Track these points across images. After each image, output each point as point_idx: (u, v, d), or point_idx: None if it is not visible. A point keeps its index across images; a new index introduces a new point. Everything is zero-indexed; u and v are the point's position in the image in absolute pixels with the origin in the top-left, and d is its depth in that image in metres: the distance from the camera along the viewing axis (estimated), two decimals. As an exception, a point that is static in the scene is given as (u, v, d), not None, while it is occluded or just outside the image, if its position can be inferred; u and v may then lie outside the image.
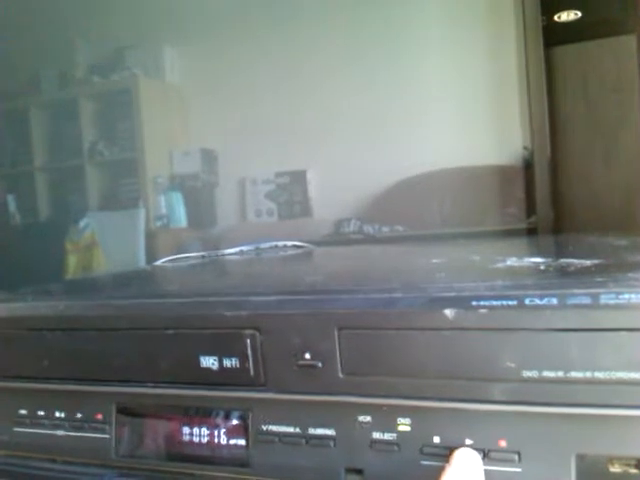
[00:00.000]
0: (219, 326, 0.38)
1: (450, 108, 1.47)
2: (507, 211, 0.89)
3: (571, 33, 0.78)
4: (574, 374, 0.31)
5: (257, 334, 0.36)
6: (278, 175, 2.13)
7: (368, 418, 0.36)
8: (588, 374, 0.31)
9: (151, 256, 2.04)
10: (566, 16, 0.78)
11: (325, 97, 1.87)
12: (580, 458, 0.32)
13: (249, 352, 0.37)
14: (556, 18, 0.78)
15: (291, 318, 0.36)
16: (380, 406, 0.35)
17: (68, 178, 2.24)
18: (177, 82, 2.14)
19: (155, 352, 0.40)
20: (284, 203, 2.15)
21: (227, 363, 0.37)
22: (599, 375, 0.30)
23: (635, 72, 0.77)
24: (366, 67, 1.74)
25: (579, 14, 0.78)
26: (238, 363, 0.37)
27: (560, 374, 0.31)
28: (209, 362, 0.38)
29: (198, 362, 0.38)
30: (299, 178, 2.09)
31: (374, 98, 1.75)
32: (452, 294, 0.34)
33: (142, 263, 1.95)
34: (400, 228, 1.63)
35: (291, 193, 2.12)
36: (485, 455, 0.33)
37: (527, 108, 0.90)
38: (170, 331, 0.39)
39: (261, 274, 0.55)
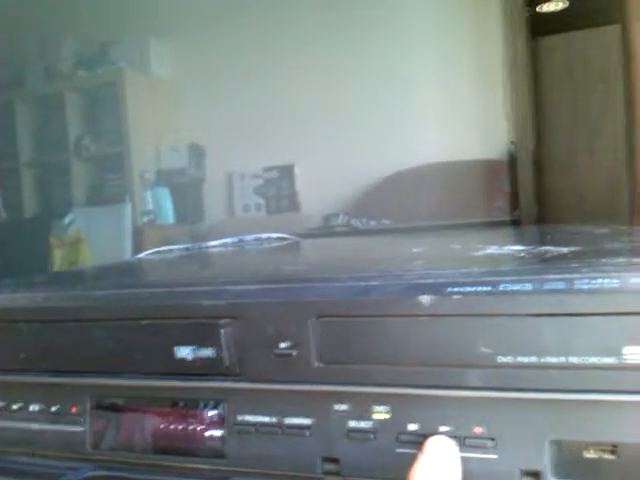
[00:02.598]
0: (194, 315, 0.37)
1: (436, 103, 1.48)
2: (492, 204, 0.90)
3: (556, 23, 0.78)
4: (548, 359, 0.31)
5: (233, 323, 0.36)
6: (266, 170, 2.13)
7: (344, 407, 0.35)
8: (562, 359, 0.30)
9: (138, 252, 2.03)
10: (552, 6, 0.78)
11: (313, 92, 1.87)
12: (555, 444, 0.32)
13: (224, 342, 0.36)
14: (541, 9, 0.78)
15: (267, 307, 0.36)
16: (356, 394, 0.35)
17: (54, 173, 2.22)
18: (164, 76, 2.13)
19: (130, 343, 0.39)
20: (272, 198, 2.14)
21: (202, 353, 0.37)
22: (573, 360, 0.30)
23: (620, 62, 0.78)
24: (353, 63, 1.74)
25: (564, 5, 0.77)
26: (213, 353, 0.37)
27: (534, 359, 0.31)
28: (184, 352, 0.37)
29: (173, 352, 0.38)
30: (287, 173, 2.09)
31: (361, 93, 1.75)
32: (428, 281, 0.34)
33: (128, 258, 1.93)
34: (387, 222, 1.63)
35: (279, 188, 2.11)
36: (461, 442, 0.33)
37: (513, 101, 0.90)
38: (145, 321, 0.38)
39: (241, 265, 0.54)
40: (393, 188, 1.56)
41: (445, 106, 1.44)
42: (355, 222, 1.74)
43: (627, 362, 0.29)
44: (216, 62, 2.00)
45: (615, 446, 0.31)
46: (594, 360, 0.30)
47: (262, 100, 1.92)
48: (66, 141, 2.14)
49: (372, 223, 1.66)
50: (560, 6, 0.71)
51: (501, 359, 0.31)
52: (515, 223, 0.85)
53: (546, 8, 0.72)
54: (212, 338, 0.37)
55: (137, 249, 2.03)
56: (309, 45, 1.83)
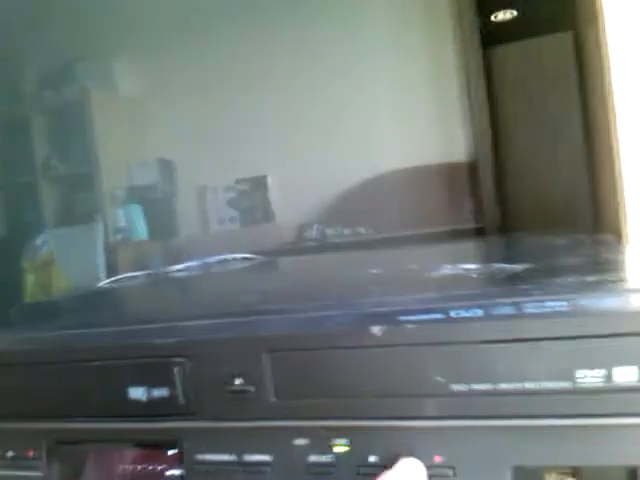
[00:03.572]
0: (146, 355, 0.36)
1: (395, 112, 1.50)
2: (457, 211, 0.90)
3: (508, 32, 0.79)
4: (503, 386, 0.30)
5: (186, 362, 0.35)
6: (239, 182, 2.12)
7: (304, 441, 0.35)
8: (517, 385, 0.30)
9: (112, 271, 2.00)
10: (503, 15, 0.78)
11: (281, 103, 1.87)
12: (516, 470, 0.31)
13: (178, 381, 0.35)
14: (493, 18, 0.79)
15: (220, 343, 0.35)
16: (315, 428, 0.34)
17: (22, 195, 2.18)
18: (130, 93, 2.11)
19: (83, 385, 0.38)
20: (246, 210, 2.13)
21: (157, 393, 0.36)
22: (528, 385, 0.30)
23: (573, 69, 0.78)
24: (318, 75, 1.75)
25: (515, 13, 0.78)
26: (168, 392, 0.36)
27: (489, 386, 0.31)
28: (138, 393, 0.36)
29: (127, 393, 0.37)
30: (260, 184, 2.08)
31: (327, 103, 1.76)
32: (381, 309, 0.33)
33: (102, 279, 1.91)
34: (362, 230, 1.63)
35: (252, 199, 2.10)
36: (423, 471, 0.33)
37: (469, 109, 0.90)
38: (97, 363, 0.37)
39: (198, 294, 0.53)
40: (363, 196, 1.56)
41: (404, 116, 1.47)
42: (329, 231, 1.74)
43: (581, 386, 0.29)
44: (183, 77, 1.98)
45: (576, 469, 0.31)
46: (548, 385, 0.30)
47: (231, 113, 1.91)
48: (34, 162, 2.10)
49: (346, 231, 1.65)
50: (510, 15, 0.71)
51: (455, 387, 0.31)
52: (479, 231, 0.85)
53: (498, 17, 0.72)
54: (165, 378, 0.36)
55: (111, 267, 2.00)
56: (277, 59, 1.82)
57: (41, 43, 2.09)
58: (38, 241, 2.03)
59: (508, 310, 0.30)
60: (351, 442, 0.34)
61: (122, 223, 2.10)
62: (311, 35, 1.74)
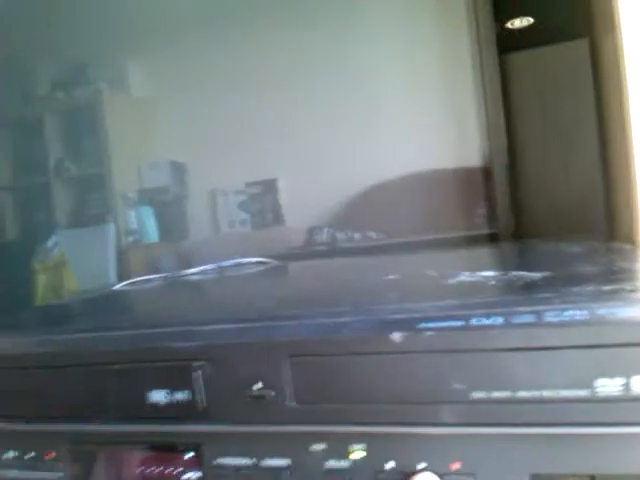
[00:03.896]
0: (167, 358, 0.37)
1: (412, 117, 1.50)
2: (470, 217, 0.90)
3: (524, 39, 0.79)
4: (522, 394, 0.31)
5: (206, 365, 0.36)
6: (249, 185, 2.12)
7: (322, 446, 0.35)
8: (536, 393, 0.30)
9: (123, 272, 2.02)
10: (519, 22, 0.78)
11: (292, 106, 1.87)
12: (534, 477, 0.32)
13: (199, 384, 0.36)
14: (509, 25, 0.79)
15: (239, 348, 0.35)
16: (333, 434, 0.34)
17: (35, 196, 2.20)
18: (143, 95, 2.12)
19: (103, 388, 0.38)
20: (257, 213, 2.14)
21: (177, 397, 0.36)
22: (546, 394, 0.30)
23: (589, 76, 0.78)
24: (331, 79, 1.75)
25: (531, 20, 0.78)
26: (188, 396, 0.36)
27: (508, 394, 0.31)
28: (158, 396, 0.37)
29: (147, 396, 0.37)
30: (270, 187, 2.09)
31: (339, 106, 1.76)
32: (399, 316, 0.33)
33: (113, 280, 1.92)
34: (373, 234, 1.63)
35: (263, 202, 2.11)
36: (440, 478, 0.33)
37: (484, 115, 0.90)
38: (116, 366, 0.38)
39: (215, 298, 0.54)
40: (374, 200, 1.56)
41: (419, 121, 1.46)
42: (340, 235, 1.74)
43: (599, 394, 0.29)
44: (195, 79, 1.99)
45: (593, 477, 0.31)
46: (567, 393, 0.30)
47: (242, 115, 1.92)
48: (46, 163, 2.12)
49: (356, 235, 1.65)
50: (526, 22, 0.72)
51: (475, 395, 0.31)
52: (492, 236, 0.85)
53: (513, 25, 0.72)
54: (185, 381, 0.36)
55: (122, 269, 2.01)
56: (289, 63, 1.83)
57: (53, 45, 2.11)
58: (50, 242, 2.05)
59: (528, 318, 0.30)
60: (368, 448, 0.34)
61: (133, 225, 2.12)
62: (324, 38, 1.74)
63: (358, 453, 0.34)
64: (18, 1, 2.03)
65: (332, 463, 0.34)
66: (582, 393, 0.30)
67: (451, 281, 0.40)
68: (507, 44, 0.81)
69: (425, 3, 1.17)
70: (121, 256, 2.05)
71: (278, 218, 2.06)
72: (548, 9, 0.77)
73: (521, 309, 0.31)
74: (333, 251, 1.55)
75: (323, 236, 1.80)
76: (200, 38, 1.91)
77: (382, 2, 1.61)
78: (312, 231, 1.86)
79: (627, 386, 0.29)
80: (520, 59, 0.81)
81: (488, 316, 0.31)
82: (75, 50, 2.09)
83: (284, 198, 2.03)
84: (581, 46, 0.76)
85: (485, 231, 0.85)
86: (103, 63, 2.10)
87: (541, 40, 0.78)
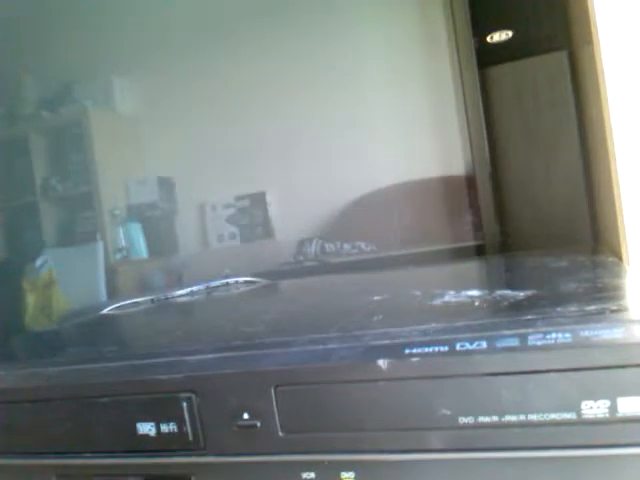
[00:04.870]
0: (154, 390, 0.36)
1: (396, 129, 1.51)
2: (456, 228, 0.91)
3: (504, 53, 0.80)
4: (508, 418, 0.31)
5: (193, 397, 0.35)
6: (238, 199, 2.13)
7: (312, 475, 0.35)
8: (522, 417, 0.30)
9: (113, 289, 2.01)
10: (498, 37, 0.79)
11: (279, 120, 1.88)
12: (524, 500, 0.32)
13: (186, 416, 0.36)
14: (488, 39, 0.80)
15: (226, 378, 0.35)
16: (322, 462, 0.34)
17: (22, 216, 2.19)
18: (129, 112, 2.12)
19: (91, 421, 0.38)
20: (246, 226, 2.14)
21: (165, 428, 0.36)
22: (533, 417, 0.30)
23: (569, 88, 0.79)
24: (317, 92, 1.76)
25: (510, 34, 0.79)
26: (176, 428, 0.36)
27: (495, 419, 0.31)
28: (146, 428, 0.37)
29: (135, 429, 0.37)
30: (259, 200, 2.09)
31: (326, 119, 1.77)
32: (385, 342, 0.33)
33: (103, 298, 1.91)
34: (362, 244, 1.63)
35: (252, 216, 2.11)
36: (430, 504, 0.33)
37: (466, 127, 0.91)
38: (105, 399, 0.37)
39: (202, 325, 0.54)
40: (362, 211, 1.57)
41: (403, 132, 1.48)
42: (329, 246, 1.75)
43: (585, 417, 0.29)
44: (180, 95, 2.00)
45: (582, 498, 0.31)
46: (553, 416, 0.30)
47: (229, 130, 1.92)
48: (33, 182, 2.11)
49: (346, 246, 1.66)
50: (505, 36, 0.72)
51: (462, 420, 0.31)
52: (479, 248, 0.86)
53: (492, 39, 0.73)
54: (174, 413, 0.36)
55: (112, 287, 2.00)
56: (275, 76, 1.84)
57: (39, 63, 2.11)
58: (38, 262, 2.04)
59: (512, 342, 0.30)
60: (358, 476, 0.34)
61: (122, 242, 2.11)
62: (308, 52, 1.76)
63: (348, 481, 0.34)
64: (2, 20, 2.03)
65: (322, 491, 0.34)
66: (568, 416, 0.30)
67: (436, 302, 0.40)
68: (487, 58, 0.82)
69: (406, 19, 1.19)
70: (110, 273, 2.04)
71: (267, 231, 2.06)
72: (527, 23, 0.78)
73: (505, 332, 0.31)
74: (322, 264, 1.55)
75: (312, 248, 1.81)
76: (185, 54, 1.91)
77: (363, 17, 1.63)
78: (301, 243, 1.86)
79: (613, 408, 0.29)
80: (501, 72, 0.82)
81: (472, 341, 0.31)
82: (60, 68, 2.09)
83: (273, 211, 2.04)
84: (560, 58, 0.77)
85: (471, 242, 0.86)
86: (88, 81, 2.10)
87: (521, 53, 0.79)
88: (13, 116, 2.17)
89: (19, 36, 2.04)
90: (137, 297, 0.70)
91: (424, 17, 0.93)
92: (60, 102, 2.11)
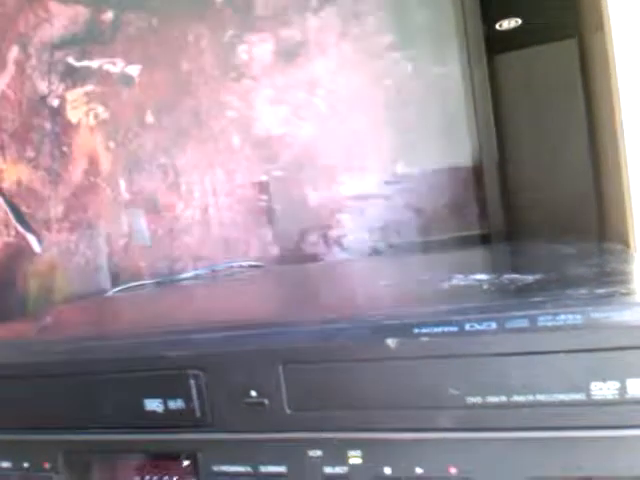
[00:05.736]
0: (162, 367, 0.37)
1: (402, 117, 1.51)
2: (463, 217, 0.91)
3: (513, 41, 0.79)
4: (517, 398, 0.31)
5: (201, 374, 0.36)
6: (240, 186, 2.12)
7: (319, 453, 0.35)
8: (530, 397, 0.30)
9: (115, 276, 2.01)
10: (507, 24, 0.78)
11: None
12: (530, 481, 0.32)
13: (194, 393, 0.36)
14: (498, 27, 0.79)
15: (234, 355, 0.35)
16: (330, 440, 0.34)
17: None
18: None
19: (99, 397, 0.38)
20: (249, 214, 2.13)
21: (172, 405, 0.36)
22: (541, 398, 0.30)
23: (578, 76, 0.79)
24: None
25: (520, 21, 0.78)
26: (184, 404, 0.36)
27: (503, 399, 0.31)
28: (154, 405, 0.37)
29: (143, 405, 0.37)
30: (262, 188, 2.08)
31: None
32: (394, 322, 0.33)
33: (106, 284, 1.91)
34: (366, 234, 1.63)
35: (254, 204, 2.11)
36: (437, 483, 0.33)
37: (474, 116, 0.91)
38: (112, 375, 0.38)
39: (209, 305, 0.54)
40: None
41: (410, 121, 1.48)
42: (333, 234, 1.75)
43: (595, 398, 0.30)
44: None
45: (589, 480, 0.31)
46: (562, 397, 0.30)
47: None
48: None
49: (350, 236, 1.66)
50: (514, 24, 0.72)
51: (470, 400, 0.31)
52: (485, 237, 0.85)
53: (502, 26, 0.72)
54: (181, 389, 0.36)
55: (114, 273, 2.00)
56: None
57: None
58: (42, 245, 2.04)
59: (522, 323, 0.30)
60: (365, 454, 0.34)
61: (125, 228, 2.11)
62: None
63: (355, 459, 0.34)
64: None
65: (329, 469, 0.35)
66: (577, 397, 0.30)
67: (445, 285, 0.40)
68: (496, 45, 0.81)
69: (413, 7, 1.18)
70: (113, 259, 2.04)
71: (271, 219, 2.06)
72: (536, 10, 0.77)
73: (514, 314, 0.31)
74: (323, 254, 1.55)
75: (316, 237, 1.81)
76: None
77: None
78: (306, 232, 1.86)
79: (622, 389, 0.29)
80: (509, 60, 0.82)
81: (481, 321, 0.31)
82: None
83: (276, 199, 2.03)
84: (570, 46, 0.77)
85: (477, 231, 0.86)
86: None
87: (530, 41, 0.78)
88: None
89: None
90: (142, 280, 0.70)
91: (433, 3, 0.92)
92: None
